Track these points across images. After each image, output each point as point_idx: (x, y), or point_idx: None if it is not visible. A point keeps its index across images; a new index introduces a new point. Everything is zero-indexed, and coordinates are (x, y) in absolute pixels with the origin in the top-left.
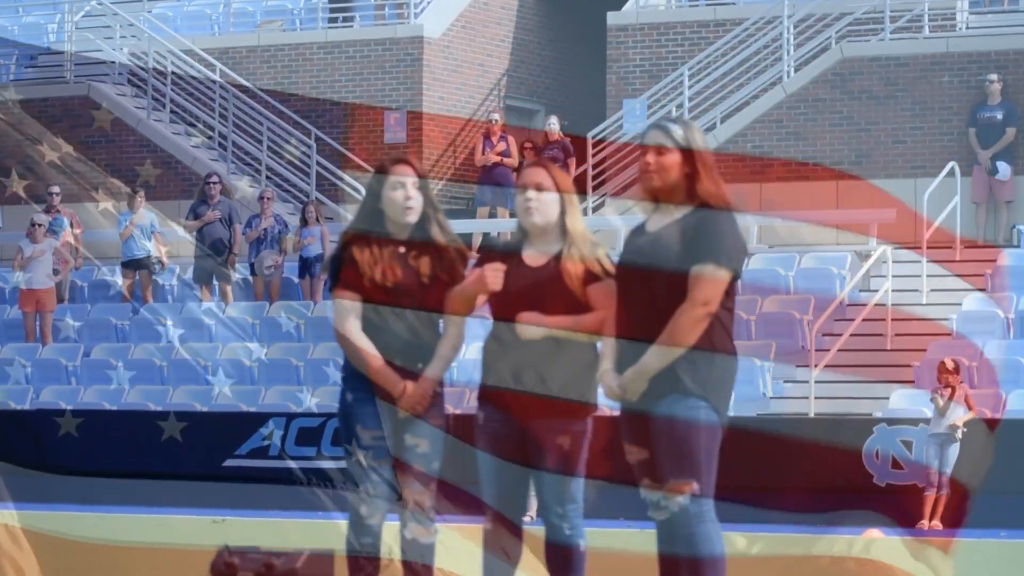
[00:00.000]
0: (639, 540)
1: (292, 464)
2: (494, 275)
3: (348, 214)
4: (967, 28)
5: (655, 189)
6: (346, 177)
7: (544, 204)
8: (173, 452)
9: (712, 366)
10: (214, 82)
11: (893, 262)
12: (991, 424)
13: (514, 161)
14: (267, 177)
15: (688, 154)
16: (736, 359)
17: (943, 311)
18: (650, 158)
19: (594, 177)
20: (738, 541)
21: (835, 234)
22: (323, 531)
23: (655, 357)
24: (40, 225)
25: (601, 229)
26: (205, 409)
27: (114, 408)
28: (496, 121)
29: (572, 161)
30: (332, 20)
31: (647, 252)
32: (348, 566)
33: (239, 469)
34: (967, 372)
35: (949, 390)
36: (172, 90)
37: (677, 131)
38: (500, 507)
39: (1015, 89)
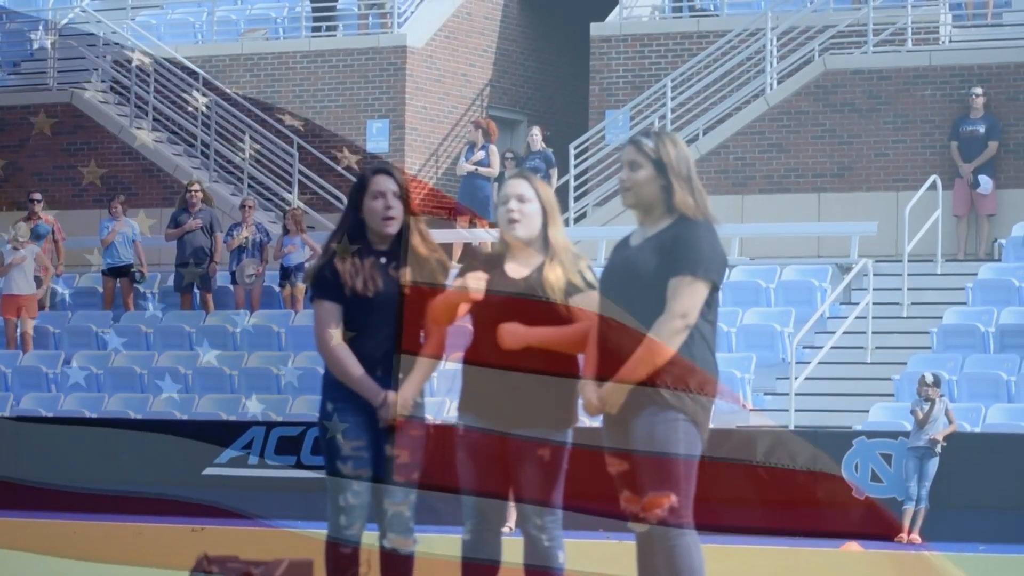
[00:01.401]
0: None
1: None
2: (476, 284)
3: (330, 223)
4: (950, 42)
5: (632, 205)
6: (328, 186)
7: (526, 216)
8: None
9: (692, 378)
10: (197, 90)
11: (874, 275)
12: None
13: (493, 171)
14: (249, 186)
15: (662, 167)
16: (717, 371)
17: (924, 324)
18: (624, 174)
19: (576, 188)
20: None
21: (816, 246)
22: (302, 540)
23: (634, 369)
24: (21, 233)
25: (583, 240)
26: (184, 417)
27: (94, 415)
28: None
29: (555, 171)
30: (315, 29)
31: (628, 265)
32: (327, 575)
33: (219, 478)
34: (947, 386)
35: (929, 403)
36: (155, 98)
37: (649, 145)
38: (479, 517)
39: (997, 103)
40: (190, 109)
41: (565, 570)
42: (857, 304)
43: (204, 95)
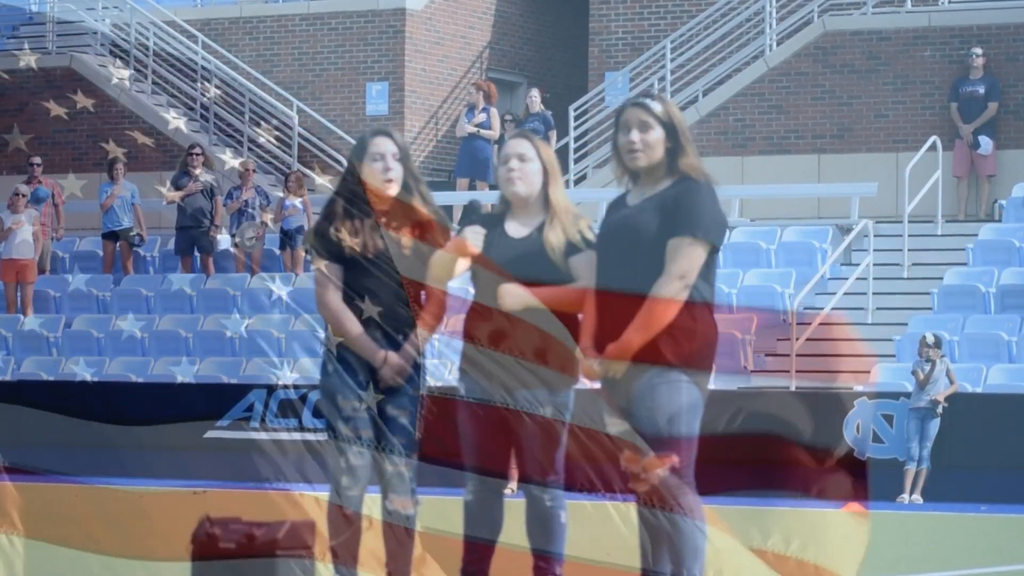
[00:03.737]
0: None
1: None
2: (474, 238)
3: (330, 186)
4: (949, 2)
5: (643, 166)
6: (328, 148)
7: (527, 175)
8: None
9: (693, 339)
10: (196, 53)
11: (874, 236)
12: None
13: (494, 133)
14: (248, 149)
15: (671, 129)
16: (717, 332)
17: (924, 285)
18: (634, 136)
19: (576, 149)
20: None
21: (816, 207)
22: (304, 502)
23: (636, 332)
24: (22, 196)
25: (583, 201)
26: (186, 380)
27: (96, 380)
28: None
29: (553, 133)
30: None
31: (627, 225)
32: (329, 536)
33: (221, 441)
34: (948, 346)
35: (930, 364)
36: (154, 61)
37: (657, 107)
38: (481, 478)
39: (997, 63)
40: (191, 73)
41: (567, 530)
42: (858, 265)
43: (216, 87)
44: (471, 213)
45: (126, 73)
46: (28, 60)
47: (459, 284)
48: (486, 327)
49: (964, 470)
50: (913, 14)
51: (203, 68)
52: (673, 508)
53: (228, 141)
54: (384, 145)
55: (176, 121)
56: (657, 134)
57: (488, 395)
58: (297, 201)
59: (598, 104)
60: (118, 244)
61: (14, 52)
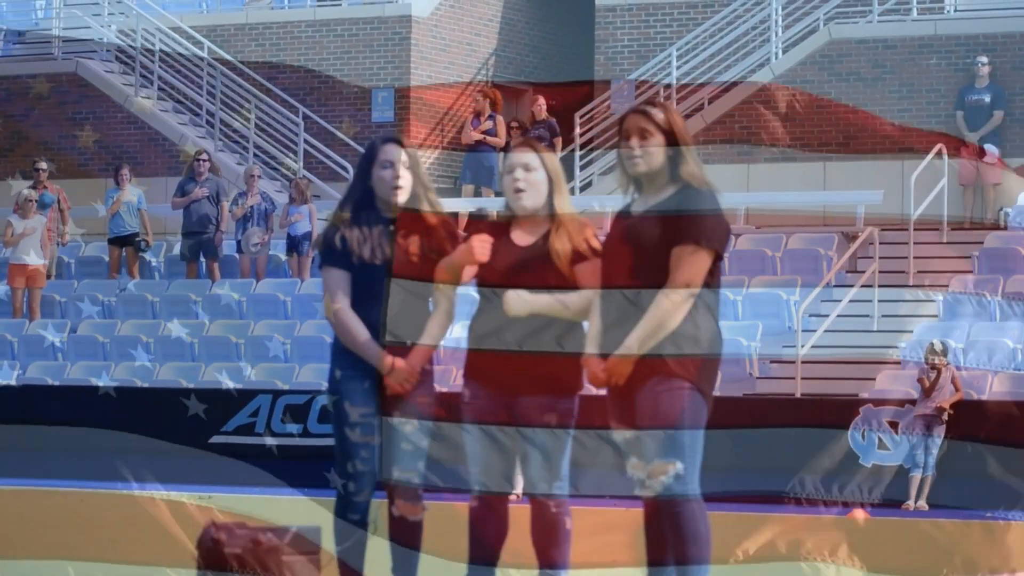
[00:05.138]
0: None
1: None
2: (481, 246)
3: (336, 192)
4: (955, 11)
5: (643, 173)
6: (333, 155)
7: (531, 184)
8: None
9: (697, 347)
10: (202, 59)
11: (880, 243)
12: None
13: (500, 141)
14: (254, 155)
15: (671, 136)
16: (721, 340)
17: (930, 293)
18: (634, 143)
19: (582, 157)
20: None
21: (822, 215)
22: (310, 508)
23: (639, 340)
24: (31, 200)
25: (588, 209)
26: (191, 385)
27: (99, 384)
28: (484, 99)
29: (559, 140)
30: None
31: (631, 234)
32: (335, 542)
33: (225, 446)
34: (954, 354)
35: (935, 372)
36: (160, 67)
37: (658, 115)
38: (486, 484)
39: (1003, 72)
40: (196, 79)
41: (572, 536)
42: (863, 272)
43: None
44: (477, 223)
45: (148, 104)
46: (42, 88)
47: (465, 292)
48: (492, 334)
49: (969, 477)
50: (919, 22)
51: (208, 74)
52: (677, 515)
53: (234, 147)
54: (394, 152)
55: (184, 129)
56: (657, 142)
57: (493, 401)
58: (303, 208)
59: (604, 111)
60: (124, 249)
61: (24, 70)
